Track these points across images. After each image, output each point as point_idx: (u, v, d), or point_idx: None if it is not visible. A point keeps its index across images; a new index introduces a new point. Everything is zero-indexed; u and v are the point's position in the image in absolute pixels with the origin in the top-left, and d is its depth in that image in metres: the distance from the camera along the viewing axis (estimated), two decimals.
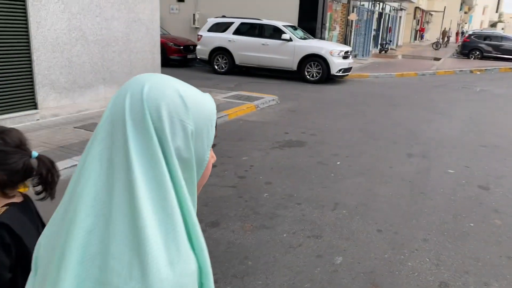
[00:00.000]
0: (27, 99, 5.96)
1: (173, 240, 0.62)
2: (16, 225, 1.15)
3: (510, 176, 5.24)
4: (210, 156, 0.72)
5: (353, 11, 18.76)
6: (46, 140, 5.28)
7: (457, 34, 44.85)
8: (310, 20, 15.20)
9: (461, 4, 49.22)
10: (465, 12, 57.98)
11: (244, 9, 15.15)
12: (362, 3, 19.97)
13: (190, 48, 14.05)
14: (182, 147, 0.64)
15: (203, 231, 2.49)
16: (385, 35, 26.36)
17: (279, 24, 12.52)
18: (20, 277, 1.13)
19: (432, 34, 46.33)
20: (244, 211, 3.91)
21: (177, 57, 13.76)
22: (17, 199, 1.24)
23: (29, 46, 5.82)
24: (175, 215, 0.62)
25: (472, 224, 3.87)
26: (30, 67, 5.90)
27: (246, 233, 3.50)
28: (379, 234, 3.61)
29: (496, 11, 79.05)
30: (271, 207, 4.02)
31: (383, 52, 23.38)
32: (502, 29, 65.09)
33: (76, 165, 4.70)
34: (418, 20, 39.76)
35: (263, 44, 12.38)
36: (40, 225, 1.33)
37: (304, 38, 12.73)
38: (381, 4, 23.53)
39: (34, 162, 1.22)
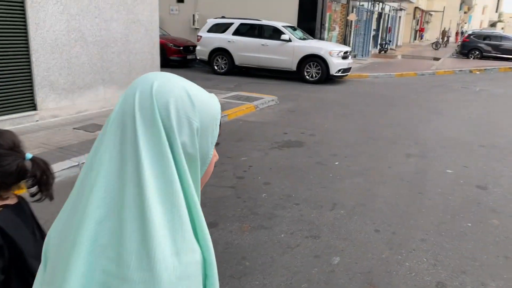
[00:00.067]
0: (26, 100, 5.97)
1: (179, 230, 0.64)
2: (9, 227, 1.15)
3: (508, 176, 5.24)
4: (213, 155, 0.75)
5: (352, 12, 18.77)
6: (45, 141, 5.29)
7: (456, 34, 44.84)
8: (309, 21, 15.21)
9: (461, 4, 49.22)
10: (465, 12, 57.98)
11: (244, 10, 15.16)
12: (361, 3, 19.98)
13: (189, 48, 14.06)
14: (187, 143, 0.67)
15: None
16: (384, 35, 26.37)
17: (279, 24, 12.53)
18: (14, 279, 1.14)
19: (431, 34, 46.35)
20: (243, 211, 3.92)
21: (176, 57, 13.78)
22: (11, 201, 1.24)
23: (28, 47, 5.83)
24: (181, 206, 0.65)
25: (470, 224, 3.87)
26: (29, 68, 5.91)
27: (244, 234, 3.51)
28: (377, 234, 3.61)
29: (496, 11, 79.07)
30: (269, 207, 4.03)
31: (383, 52, 23.38)
32: (502, 28, 65.11)
33: (75, 166, 4.71)
34: (418, 20, 39.77)
35: (262, 45, 12.39)
36: (35, 226, 1.33)
37: (304, 39, 12.75)
38: (380, 4, 23.53)
39: (28, 164, 1.22)
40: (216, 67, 13.09)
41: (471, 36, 24.05)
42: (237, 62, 12.85)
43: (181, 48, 13.82)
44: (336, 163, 5.42)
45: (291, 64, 12.25)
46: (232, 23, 12.90)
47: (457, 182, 4.93)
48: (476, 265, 3.21)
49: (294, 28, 13.14)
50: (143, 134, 0.65)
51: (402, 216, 3.98)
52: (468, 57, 23.34)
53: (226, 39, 12.80)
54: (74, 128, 5.93)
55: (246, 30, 12.80)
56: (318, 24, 15.37)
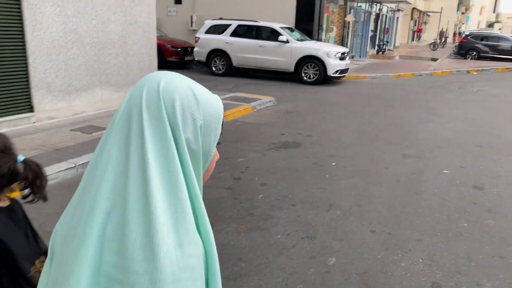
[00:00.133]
0: (23, 102, 5.97)
1: (182, 222, 0.66)
2: (0, 229, 1.16)
3: (504, 176, 5.26)
4: (214, 153, 0.78)
5: (350, 13, 18.81)
6: (42, 143, 5.29)
7: (454, 34, 44.92)
8: (307, 22, 15.24)
9: (458, 5, 49.33)
10: (462, 13, 58.10)
11: (241, 11, 15.18)
12: (359, 4, 20.02)
13: (187, 50, 14.08)
14: (191, 139, 0.69)
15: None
16: (382, 36, 26.41)
17: (276, 26, 12.55)
18: (4, 280, 1.14)
19: (429, 34, 46.41)
20: (239, 212, 3.92)
21: (174, 59, 13.78)
22: (3, 203, 1.25)
23: (24, 49, 5.83)
24: (185, 199, 0.67)
25: (465, 224, 3.89)
26: (26, 70, 5.91)
27: (240, 235, 3.51)
28: (373, 234, 3.62)
29: (493, 12, 79.24)
30: (266, 208, 4.04)
31: (381, 53, 23.41)
32: (499, 29, 65.25)
33: (71, 167, 4.71)
34: (416, 21, 39.84)
35: (260, 46, 12.41)
36: (28, 228, 1.34)
37: (301, 40, 12.76)
38: (378, 5, 23.57)
39: (20, 167, 1.23)
40: (214, 68, 13.10)
41: (469, 37, 24.13)
42: (235, 63, 12.86)
43: (179, 49, 13.83)
44: (333, 163, 5.43)
45: (289, 65, 12.27)
46: (230, 25, 12.92)
47: (453, 182, 4.95)
48: (471, 265, 3.22)
49: (291, 29, 13.16)
50: (149, 129, 0.67)
51: (398, 216, 4.00)
52: (465, 58, 23.40)
53: (224, 40, 12.82)
54: (71, 130, 5.94)
55: (243, 31, 12.82)
56: (316, 25, 15.40)
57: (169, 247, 0.63)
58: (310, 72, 12.18)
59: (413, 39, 40.59)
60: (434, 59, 21.75)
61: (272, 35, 12.40)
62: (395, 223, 3.85)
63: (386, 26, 27.41)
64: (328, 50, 12.03)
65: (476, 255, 3.37)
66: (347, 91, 11.53)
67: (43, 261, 1.26)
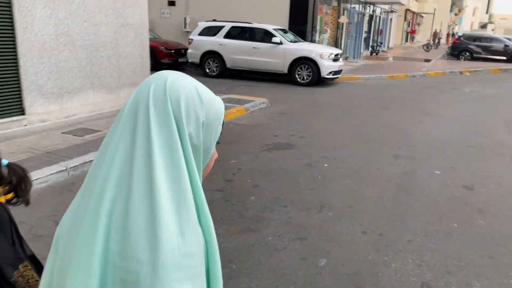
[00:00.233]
0: (14, 105, 5.94)
1: (184, 212, 0.69)
2: None
3: (494, 176, 5.30)
4: (214, 152, 0.82)
5: (343, 14, 18.87)
6: (33, 146, 5.26)
7: (447, 35, 45.18)
8: (300, 24, 15.27)
9: (451, 6, 49.63)
10: (456, 14, 58.47)
11: (235, 13, 15.18)
12: (352, 5, 20.09)
13: (181, 51, 14.05)
14: (193, 134, 0.73)
15: None
16: (376, 37, 26.51)
17: (270, 27, 12.57)
18: None
19: (423, 36, 46.65)
20: (231, 214, 3.92)
21: (168, 61, 13.74)
22: None
23: (15, 51, 5.80)
24: (187, 189, 0.70)
25: (456, 225, 3.91)
26: (17, 73, 5.88)
27: (232, 237, 3.51)
28: (364, 235, 3.64)
29: (486, 12, 79.74)
30: (257, 210, 4.04)
31: (374, 54, 23.51)
32: (492, 30, 65.72)
33: (63, 170, 4.68)
34: (409, 22, 40.03)
35: (254, 48, 12.42)
36: (14, 232, 1.33)
37: (295, 41, 12.79)
38: (371, 6, 23.67)
39: (4, 171, 1.22)
40: (207, 70, 13.10)
41: (462, 38, 24.31)
42: (228, 65, 12.87)
43: (173, 51, 13.81)
44: (325, 165, 5.45)
45: (283, 66, 12.29)
46: (223, 26, 12.92)
47: (444, 183, 4.98)
48: (461, 265, 3.24)
49: (285, 31, 13.18)
50: (155, 122, 0.71)
51: (390, 217, 4.01)
52: (458, 59, 23.56)
53: (217, 42, 12.82)
54: (62, 133, 5.91)
55: (237, 33, 12.82)
56: (309, 27, 15.43)
57: (171, 235, 0.65)
58: (304, 73, 12.21)
59: (406, 40, 40.79)
60: (428, 60, 21.87)
61: (266, 36, 12.42)
62: (386, 224, 3.86)
63: (380, 28, 27.53)
64: (321, 52, 12.07)
65: (466, 255, 3.39)
66: (341, 93, 11.56)
67: (27, 266, 1.25)
